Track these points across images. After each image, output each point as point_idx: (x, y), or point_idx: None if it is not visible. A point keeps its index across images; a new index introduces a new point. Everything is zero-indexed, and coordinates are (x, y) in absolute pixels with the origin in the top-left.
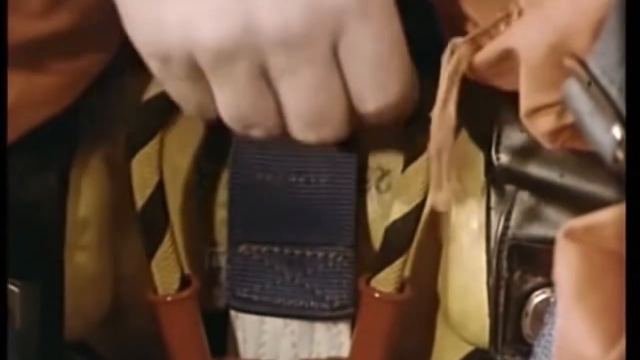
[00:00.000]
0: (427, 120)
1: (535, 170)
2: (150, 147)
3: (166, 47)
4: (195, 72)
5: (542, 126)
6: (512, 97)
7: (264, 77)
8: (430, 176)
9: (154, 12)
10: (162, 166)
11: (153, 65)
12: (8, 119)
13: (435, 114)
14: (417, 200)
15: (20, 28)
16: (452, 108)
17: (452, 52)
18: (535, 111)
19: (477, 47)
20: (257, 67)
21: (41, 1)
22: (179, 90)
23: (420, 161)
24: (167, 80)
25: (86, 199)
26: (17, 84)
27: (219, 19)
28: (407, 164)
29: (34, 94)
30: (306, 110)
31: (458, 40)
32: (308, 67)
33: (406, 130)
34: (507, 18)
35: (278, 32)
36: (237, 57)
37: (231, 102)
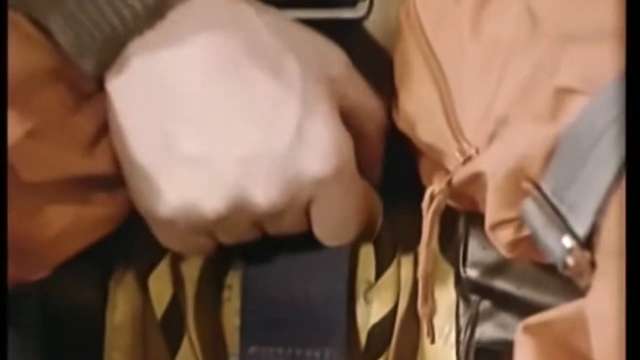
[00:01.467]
0: (393, 237)
1: (497, 282)
2: (163, 265)
3: (169, 216)
4: (199, 232)
5: (503, 238)
6: (476, 220)
7: (257, 223)
8: (399, 284)
9: (154, 188)
10: (179, 277)
11: (156, 228)
12: (57, 246)
13: (421, 248)
14: (391, 306)
15: (69, 165)
16: (435, 243)
17: (432, 199)
18: (498, 225)
19: (451, 190)
20: (251, 221)
21: (87, 141)
22: (182, 244)
23: (389, 272)
24: (171, 239)
25: (121, 308)
26: (67, 215)
27: (220, 193)
28: (378, 275)
29: (82, 224)
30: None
31: (436, 187)
32: (288, 217)
33: (376, 247)
34: (469, 159)
35: (266, 205)
36: (234, 220)
37: (232, 240)
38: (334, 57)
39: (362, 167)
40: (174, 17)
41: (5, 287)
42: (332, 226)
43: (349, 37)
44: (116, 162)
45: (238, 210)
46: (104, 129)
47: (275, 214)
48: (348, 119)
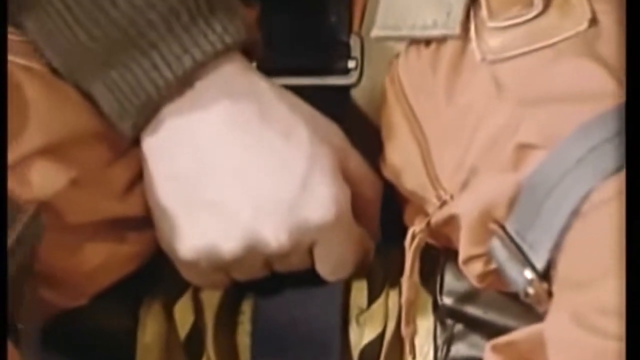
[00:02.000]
0: (383, 272)
1: (469, 308)
2: (186, 296)
3: (192, 258)
4: (217, 269)
5: (474, 270)
6: (451, 255)
7: (267, 263)
8: (387, 310)
9: (181, 232)
10: (200, 305)
11: (179, 266)
12: (94, 278)
13: (405, 280)
14: (380, 329)
15: (106, 209)
16: (416, 276)
17: (413, 238)
18: (469, 259)
19: (429, 230)
20: (262, 261)
21: (122, 189)
22: (202, 280)
23: (379, 301)
24: (192, 275)
25: (150, 330)
26: (103, 252)
27: (236, 236)
28: (370, 302)
29: (115, 260)
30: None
31: (417, 228)
32: (294, 257)
33: (368, 279)
34: (444, 204)
35: (276, 247)
36: (247, 260)
37: (245, 277)
38: (334, 130)
39: (362, 221)
40: (200, 87)
41: (5, 288)
42: (332, 265)
43: (340, 102)
44: (146, 206)
45: (251, 251)
46: (137, 179)
47: (283, 255)
48: (350, 185)
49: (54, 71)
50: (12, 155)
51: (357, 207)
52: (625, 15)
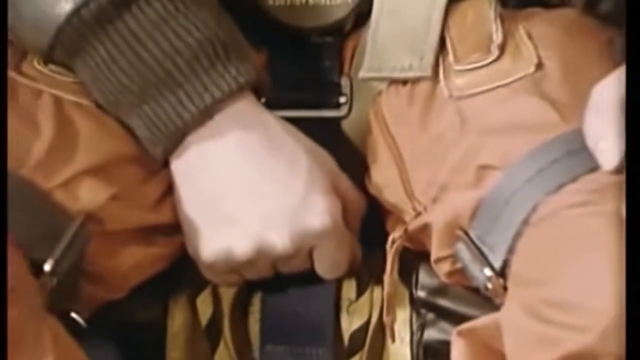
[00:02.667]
0: (368, 271)
1: (439, 300)
2: (206, 291)
3: (212, 261)
4: (231, 270)
5: (443, 269)
6: (424, 257)
7: (273, 265)
8: (372, 302)
9: (203, 238)
10: (218, 299)
11: (200, 266)
12: (129, 276)
13: (386, 277)
14: (366, 318)
15: (140, 218)
16: (395, 274)
17: (393, 243)
18: (440, 260)
19: (407, 236)
20: (269, 263)
21: (153, 202)
22: (220, 279)
23: (366, 295)
24: (211, 274)
25: (177, 320)
26: (137, 254)
27: (247, 241)
28: (358, 296)
29: (147, 260)
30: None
31: (396, 234)
32: (296, 259)
33: (356, 277)
34: (419, 215)
35: (280, 250)
36: (258, 262)
37: (255, 277)
38: (327, 158)
39: (348, 227)
40: (218, 119)
41: (5, 284)
42: (328, 266)
43: (333, 131)
44: (174, 216)
45: (260, 255)
46: (166, 193)
47: (287, 257)
48: (340, 200)
49: (99, 106)
50: (64, 174)
51: (344, 217)
52: (625, 15)
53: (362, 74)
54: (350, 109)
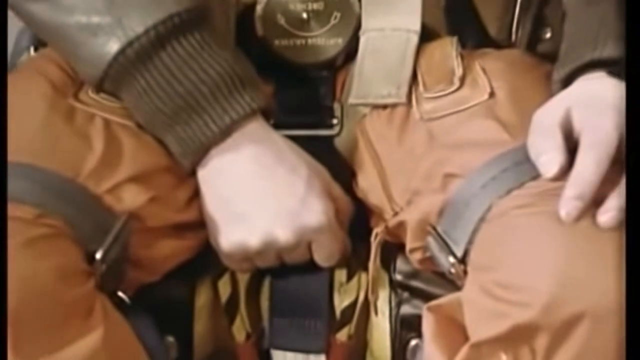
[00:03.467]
0: (356, 260)
1: (412, 282)
2: (226, 275)
3: (229, 251)
4: (245, 258)
5: (416, 257)
6: (401, 248)
7: (279, 256)
8: (359, 284)
9: (223, 233)
10: (235, 281)
11: (220, 255)
12: (163, 263)
13: (370, 265)
14: (354, 297)
15: (173, 217)
16: (378, 261)
17: (376, 237)
18: (413, 250)
19: (387, 231)
20: (275, 254)
21: (183, 203)
22: (236, 266)
23: (354, 279)
24: (230, 262)
25: (202, 297)
26: (170, 246)
27: (258, 235)
28: (348, 279)
29: (178, 250)
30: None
31: (378, 230)
32: (298, 251)
33: (347, 264)
34: (396, 214)
35: (284, 243)
36: (267, 251)
37: (265, 265)
38: (322, 169)
39: (341, 225)
40: (235, 137)
41: (5, 282)
42: (323, 256)
43: (327, 146)
44: (200, 215)
45: (268, 247)
46: (193, 197)
47: (290, 249)
48: (332, 202)
49: (140, 126)
50: (111, 181)
51: (336, 216)
52: (625, 16)
53: (351, 100)
54: (341, 129)
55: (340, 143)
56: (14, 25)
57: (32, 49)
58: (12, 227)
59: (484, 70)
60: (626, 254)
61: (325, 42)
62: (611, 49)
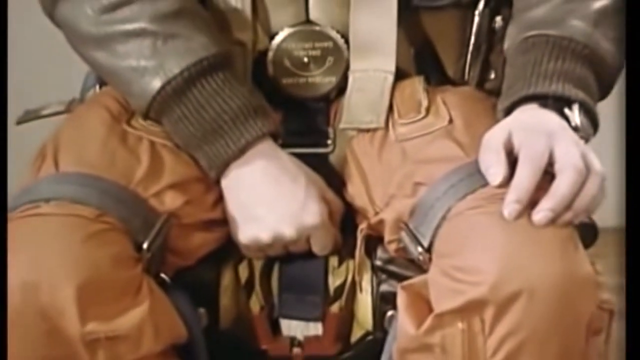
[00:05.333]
0: (345, 250)
1: (389, 267)
2: (245, 261)
3: (246, 244)
4: (259, 249)
5: (392, 247)
6: (380, 240)
7: (285, 247)
8: (348, 269)
9: (241, 229)
10: (252, 266)
11: (239, 246)
12: (196, 251)
13: (356, 254)
14: (343, 279)
15: (203, 215)
16: (362, 251)
17: (361, 232)
18: (390, 242)
19: (370, 227)
20: (282, 246)
21: (211, 205)
22: (252, 254)
23: (344, 264)
24: (247, 251)
25: (226, 278)
26: (201, 237)
27: (268, 232)
28: (339, 265)
29: (207, 241)
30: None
31: (363, 226)
32: (299, 244)
33: (338, 254)
34: (377, 214)
35: (288, 237)
36: (275, 244)
37: (275, 254)
38: (318, 179)
39: (333, 223)
40: (250, 154)
41: (5, 286)
42: (320, 247)
43: (323, 161)
44: (224, 214)
45: (276, 241)
46: (219, 200)
47: (293, 242)
48: (326, 205)
49: (177, 146)
50: (155, 188)
51: (330, 216)
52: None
53: (342, 125)
54: (334, 148)
55: (333, 159)
56: (84, 68)
57: (97, 87)
58: (77, 223)
59: (444, 102)
60: (626, 253)
61: (322, 80)
62: (540, 87)
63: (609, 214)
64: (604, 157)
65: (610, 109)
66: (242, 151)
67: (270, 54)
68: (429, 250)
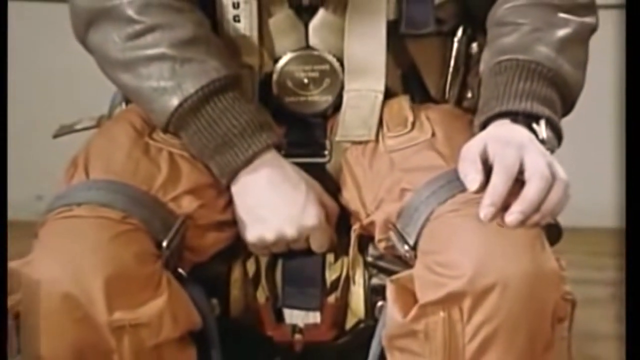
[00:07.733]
0: (340, 248)
1: (380, 262)
2: (252, 258)
3: (253, 243)
4: (264, 247)
5: (382, 245)
6: (372, 238)
7: (287, 245)
8: (342, 265)
9: (248, 230)
10: (259, 261)
11: (247, 245)
12: (209, 248)
13: (351, 252)
14: (339, 273)
15: (215, 217)
16: (356, 248)
17: (355, 232)
18: (380, 240)
19: (362, 227)
20: (285, 244)
21: (223, 208)
22: (259, 252)
23: (339, 261)
24: (253, 249)
25: (236, 272)
26: (213, 237)
27: (273, 232)
28: (335, 261)
29: (219, 239)
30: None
31: (356, 227)
32: (300, 242)
33: (334, 252)
34: (368, 216)
35: (290, 237)
36: (279, 243)
37: (279, 251)
38: (317, 185)
39: (330, 224)
40: (256, 163)
41: (5, 284)
42: (318, 246)
43: (320, 170)
44: (234, 216)
45: (279, 240)
46: (229, 203)
47: (295, 241)
48: (324, 209)
49: (193, 156)
50: (173, 193)
51: (326, 218)
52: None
53: (337, 138)
54: (330, 158)
55: (329, 168)
56: (112, 88)
57: (123, 104)
58: (105, 224)
59: (427, 118)
60: (626, 253)
61: (320, 99)
62: (511, 105)
63: (607, 214)
64: (604, 157)
65: (611, 109)
66: (249, 161)
67: (275, 76)
68: (414, 248)
